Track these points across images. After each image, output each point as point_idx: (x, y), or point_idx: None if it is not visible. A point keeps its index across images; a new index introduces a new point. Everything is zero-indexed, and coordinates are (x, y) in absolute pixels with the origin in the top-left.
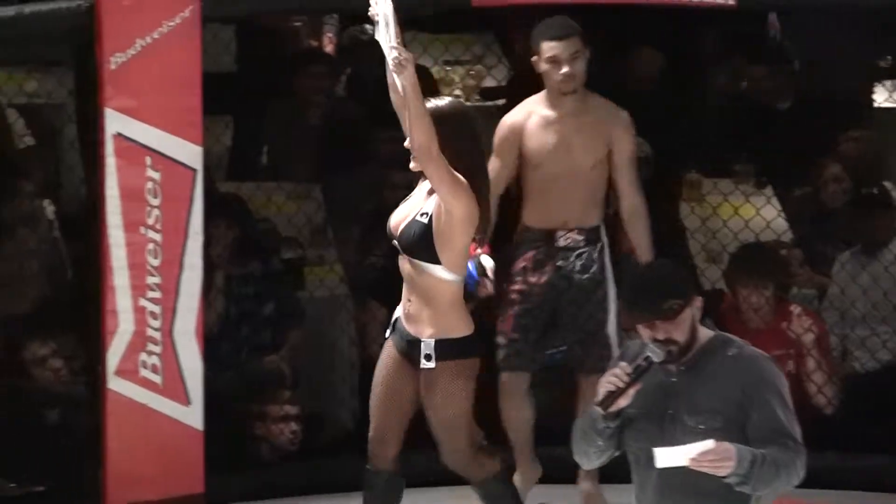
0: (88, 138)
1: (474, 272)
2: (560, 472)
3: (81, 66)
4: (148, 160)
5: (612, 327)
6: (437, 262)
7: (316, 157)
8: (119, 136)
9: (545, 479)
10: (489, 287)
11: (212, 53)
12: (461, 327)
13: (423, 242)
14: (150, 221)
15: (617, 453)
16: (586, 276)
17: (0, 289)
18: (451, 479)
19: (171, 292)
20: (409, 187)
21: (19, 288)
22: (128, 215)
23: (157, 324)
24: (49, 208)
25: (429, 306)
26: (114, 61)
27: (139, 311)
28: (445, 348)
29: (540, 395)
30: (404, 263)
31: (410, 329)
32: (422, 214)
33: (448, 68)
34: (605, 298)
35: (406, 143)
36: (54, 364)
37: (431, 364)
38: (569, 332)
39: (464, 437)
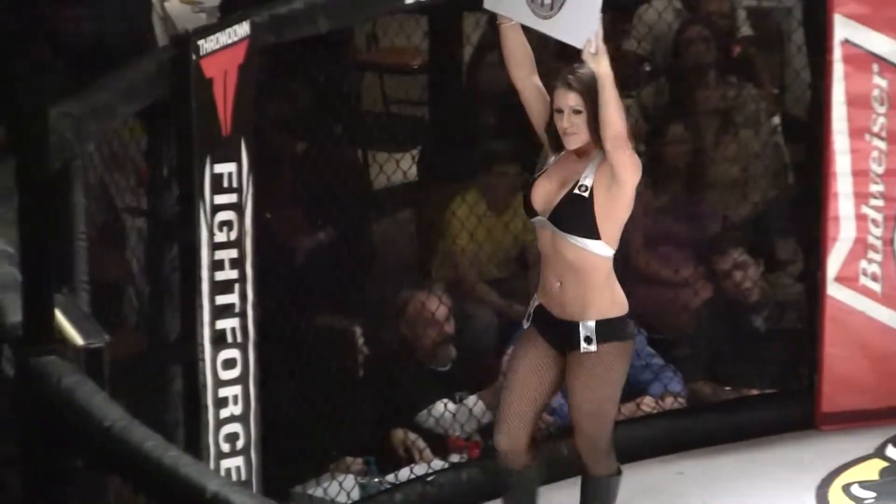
0: (816, 44)
1: None
2: None
3: None
4: (875, 67)
5: None
6: (598, 237)
7: None
8: (847, 43)
9: None
10: None
11: None
12: (618, 307)
13: (586, 218)
14: (876, 129)
15: None
16: None
17: (725, 191)
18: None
19: (893, 200)
20: None
21: (743, 191)
22: (853, 122)
23: (878, 232)
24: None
25: (584, 286)
26: None
27: (861, 219)
28: (606, 330)
29: None
30: (553, 243)
31: (560, 313)
32: (580, 188)
33: None
34: None
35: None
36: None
37: (593, 347)
38: None
39: (609, 424)
